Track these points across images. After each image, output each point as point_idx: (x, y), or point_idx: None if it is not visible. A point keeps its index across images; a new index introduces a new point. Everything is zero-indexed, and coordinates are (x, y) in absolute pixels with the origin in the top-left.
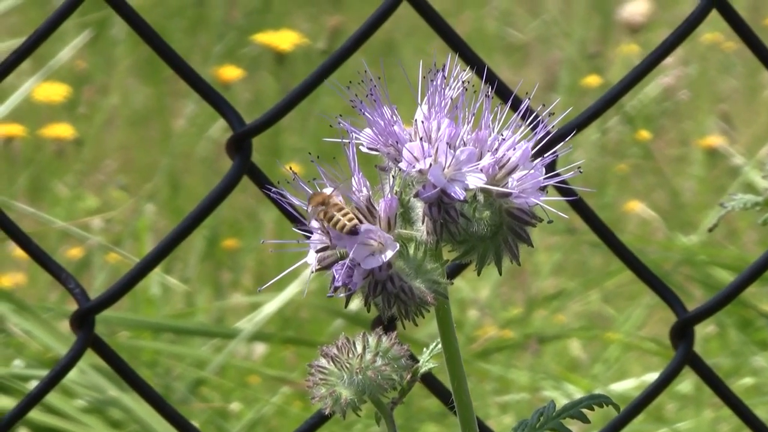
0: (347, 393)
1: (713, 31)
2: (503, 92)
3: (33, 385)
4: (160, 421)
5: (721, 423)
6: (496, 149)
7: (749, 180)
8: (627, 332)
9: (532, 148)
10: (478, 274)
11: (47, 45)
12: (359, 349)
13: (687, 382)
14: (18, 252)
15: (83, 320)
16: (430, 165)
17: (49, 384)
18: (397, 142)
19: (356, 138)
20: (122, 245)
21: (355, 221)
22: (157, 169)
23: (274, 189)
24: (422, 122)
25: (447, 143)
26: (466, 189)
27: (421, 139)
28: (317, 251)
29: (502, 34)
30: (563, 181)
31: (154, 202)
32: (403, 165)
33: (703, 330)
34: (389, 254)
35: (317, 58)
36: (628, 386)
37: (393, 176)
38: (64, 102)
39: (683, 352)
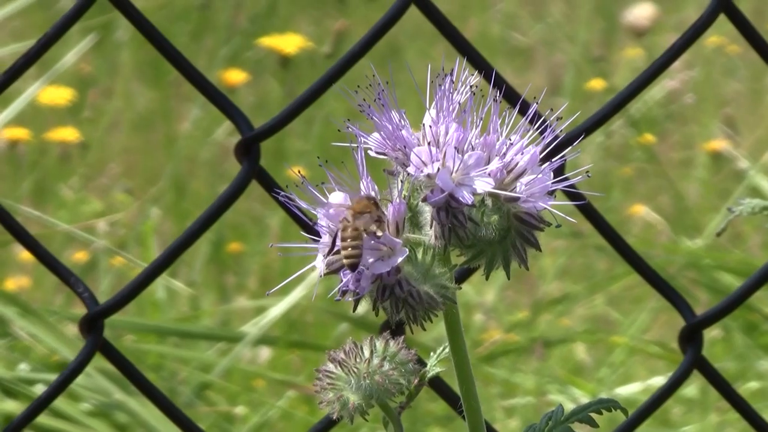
0: (355, 397)
1: (717, 35)
2: (510, 96)
3: (38, 388)
4: (166, 424)
5: (726, 427)
6: (504, 153)
7: (754, 184)
8: (632, 336)
9: (540, 153)
10: (487, 278)
11: (52, 49)
12: (367, 353)
13: (692, 386)
14: (23, 255)
15: (92, 324)
16: (438, 169)
17: (58, 388)
18: (405, 147)
19: (364, 142)
20: (127, 249)
21: (354, 260)
22: (162, 173)
23: (282, 193)
24: (430, 126)
25: (455, 147)
26: (474, 193)
27: (429, 143)
28: (325, 255)
29: (506, 37)
30: (571, 185)
31: (159, 206)
32: (411, 169)
33: (709, 334)
34: (398, 259)
35: (322, 62)
36: (633, 390)
37: (401, 181)
38: (68, 106)
39: (692, 357)
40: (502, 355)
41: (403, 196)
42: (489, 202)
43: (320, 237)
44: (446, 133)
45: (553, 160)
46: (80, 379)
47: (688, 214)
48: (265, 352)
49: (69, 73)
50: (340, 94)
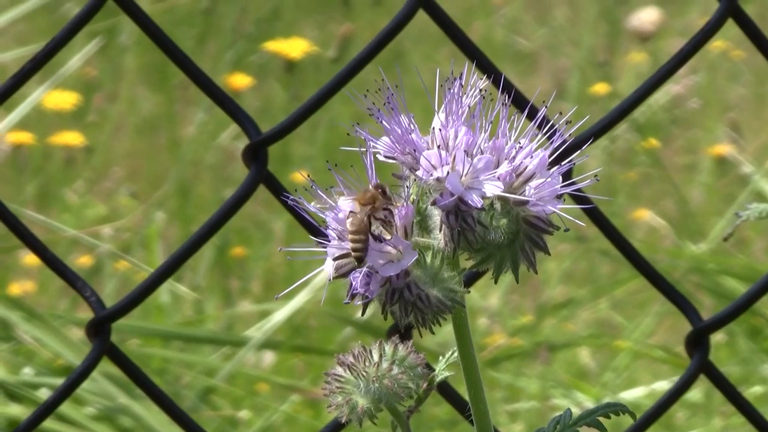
0: (364, 401)
1: (722, 40)
2: (518, 100)
3: (42, 392)
4: (170, 428)
5: (730, 431)
6: (513, 157)
7: (759, 188)
8: (636, 340)
9: (549, 157)
10: (496, 281)
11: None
12: (376, 357)
13: (696, 390)
14: (27, 259)
15: (99, 328)
16: (448, 173)
17: (65, 392)
18: (414, 150)
19: (373, 146)
20: (132, 253)
21: (359, 253)
22: (167, 177)
23: (291, 197)
24: (439, 130)
25: (464, 151)
26: (484, 197)
27: (438, 147)
28: (335, 259)
29: (510, 42)
30: (578, 190)
31: (164, 210)
32: (420, 173)
33: (713, 338)
34: (407, 262)
35: (327, 67)
36: (637, 394)
37: (410, 185)
38: (73, 110)
39: (698, 361)
40: (507, 359)
41: (411, 199)
42: (498, 205)
43: (328, 241)
44: (455, 136)
45: (562, 164)
46: (85, 383)
47: (693, 219)
48: (269, 357)
49: (73, 78)
50: (346, 99)
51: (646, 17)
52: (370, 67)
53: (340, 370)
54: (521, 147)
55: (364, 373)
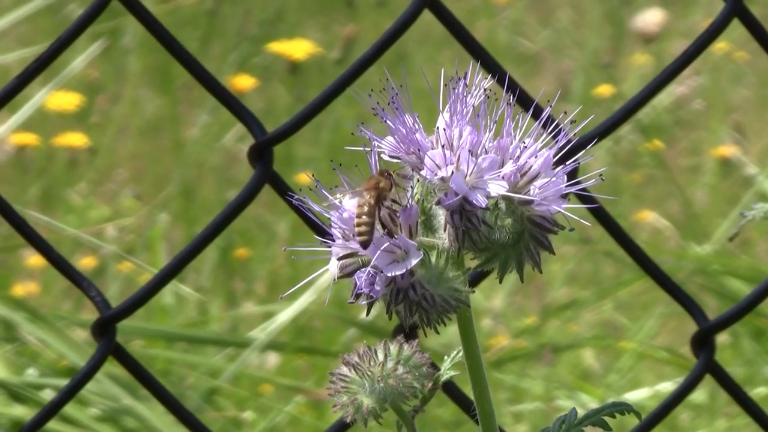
0: (369, 401)
1: (725, 41)
2: (522, 100)
3: (46, 393)
4: (174, 429)
5: None
6: (518, 157)
7: (763, 190)
8: (640, 341)
9: (554, 156)
10: (500, 281)
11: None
12: (381, 357)
13: (701, 391)
14: (31, 260)
15: (104, 328)
16: (452, 173)
17: (71, 392)
18: (419, 150)
19: (378, 146)
20: (135, 254)
21: (365, 237)
22: (170, 179)
23: (296, 196)
24: (444, 130)
25: (469, 151)
26: (488, 196)
27: (443, 146)
28: (339, 258)
29: (513, 44)
30: (583, 189)
31: (167, 212)
32: (425, 173)
33: (717, 339)
34: (412, 262)
35: (331, 68)
36: (641, 395)
37: (414, 185)
38: (76, 111)
39: (704, 361)
40: (511, 360)
41: (416, 199)
42: (503, 205)
43: (333, 240)
44: (460, 136)
45: (567, 163)
46: (89, 384)
47: (697, 220)
48: (273, 358)
49: (77, 79)
50: (349, 100)
51: (651, 19)
52: (373, 69)
53: (345, 369)
54: (526, 147)
55: (369, 373)
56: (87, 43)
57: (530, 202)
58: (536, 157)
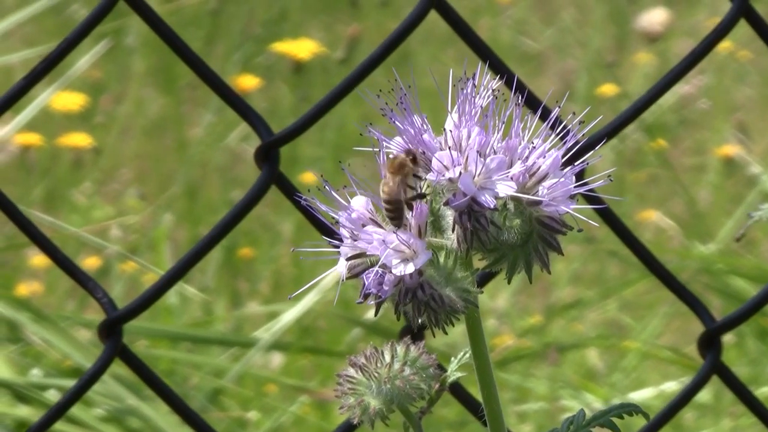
0: (376, 402)
1: (728, 40)
2: (530, 101)
3: (51, 393)
4: (179, 430)
5: None
6: (527, 157)
7: (767, 189)
8: (645, 341)
9: (562, 157)
10: (509, 282)
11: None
12: (388, 358)
13: (706, 391)
14: (35, 260)
15: (111, 330)
16: (461, 173)
17: (77, 393)
18: (427, 151)
19: (386, 146)
20: (139, 254)
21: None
22: (174, 179)
23: (303, 197)
24: (452, 131)
25: (477, 152)
26: (497, 197)
27: (450, 147)
28: (348, 259)
29: (517, 43)
30: (591, 190)
31: (172, 212)
32: (432, 174)
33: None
34: (421, 261)
35: (334, 68)
36: (646, 395)
37: (422, 185)
38: (80, 111)
39: (711, 362)
40: (515, 360)
41: (425, 199)
42: (511, 205)
43: (341, 241)
44: (468, 137)
45: (575, 164)
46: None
47: (701, 220)
48: (277, 358)
49: (81, 79)
50: (355, 100)
51: (655, 18)
52: (378, 69)
53: (351, 371)
54: (534, 147)
55: (376, 374)
56: (91, 43)
57: (539, 202)
58: (545, 157)
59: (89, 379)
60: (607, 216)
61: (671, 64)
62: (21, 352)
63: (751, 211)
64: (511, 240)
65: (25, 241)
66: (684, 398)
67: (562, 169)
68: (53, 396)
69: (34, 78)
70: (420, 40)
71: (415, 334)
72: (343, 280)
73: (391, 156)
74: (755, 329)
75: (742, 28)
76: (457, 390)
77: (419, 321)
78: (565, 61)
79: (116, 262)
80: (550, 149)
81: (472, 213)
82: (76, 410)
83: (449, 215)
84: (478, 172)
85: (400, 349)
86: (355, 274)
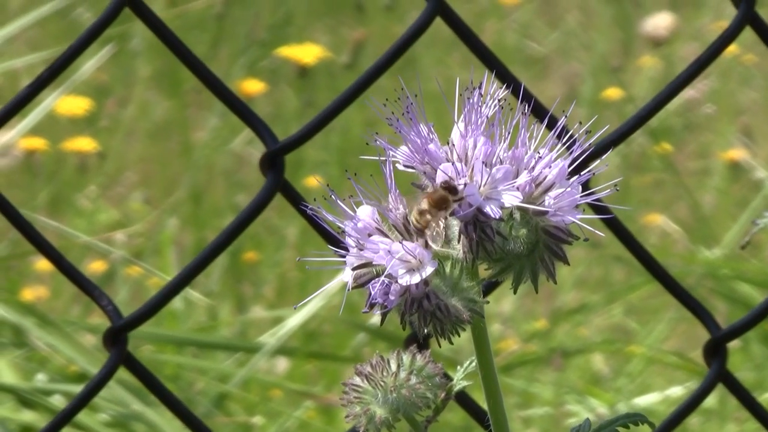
0: (381, 411)
1: (733, 44)
2: (536, 109)
3: (56, 399)
4: None
5: None
6: (533, 167)
7: None
8: (650, 346)
9: (569, 166)
10: (515, 292)
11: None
12: (393, 367)
13: (711, 396)
14: (40, 265)
15: (116, 338)
16: (465, 184)
17: (82, 401)
18: (433, 161)
19: (392, 155)
20: (144, 258)
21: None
22: (179, 182)
23: (309, 206)
24: (458, 140)
25: (483, 162)
26: (503, 207)
27: (456, 158)
28: (354, 269)
29: (522, 46)
30: (597, 199)
31: (177, 216)
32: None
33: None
34: (427, 271)
35: (340, 72)
36: (651, 400)
37: None
38: (85, 115)
39: (716, 370)
40: (520, 365)
41: None
42: (517, 215)
43: (347, 250)
44: (474, 146)
45: (581, 173)
46: None
47: (706, 224)
48: (282, 363)
49: (86, 83)
50: (360, 105)
51: (660, 23)
52: (392, 75)
53: (357, 380)
54: (540, 157)
55: (382, 383)
56: (97, 47)
57: (545, 212)
58: (551, 167)
59: (94, 387)
60: (612, 223)
61: (676, 68)
62: (26, 357)
63: (756, 216)
64: (517, 250)
65: (30, 247)
66: (689, 406)
67: (569, 179)
68: (58, 401)
69: (38, 86)
70: (425, 43)
71: (421, 342)
72: (348, 289)
73: (431, 189)
74: (760, 334)
75: (748, 31)
76: (463, 398)
77: (425, 331)
78: (570, 64)
79: (121, 267)
80: (556, 159)
81: (478, 223)
82: (81, 415)
83: (455, 225)
84: (484, 183)
85: (406, 357)
86: (360, 284)
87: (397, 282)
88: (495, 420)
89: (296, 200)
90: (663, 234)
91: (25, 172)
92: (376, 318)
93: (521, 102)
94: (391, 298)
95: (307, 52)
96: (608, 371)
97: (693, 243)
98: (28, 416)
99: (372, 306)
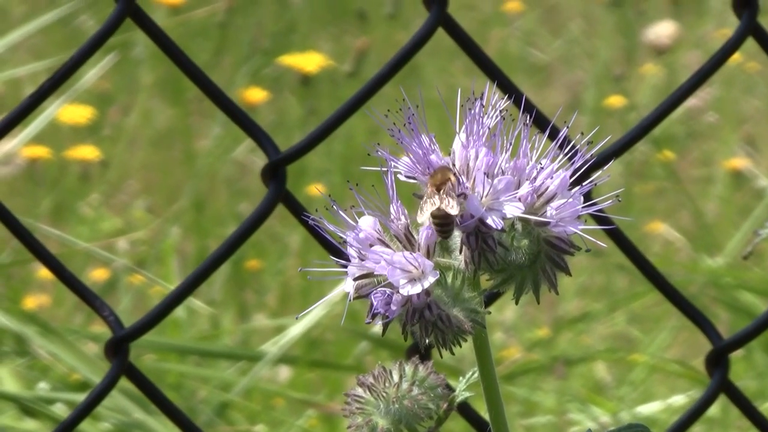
0: (383, 422)
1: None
2: (538, 119)
3: (57, 407)
4: None
5: None
6: (535, 178)
7: None
8: (653, 354)
9: (570, 177)
10: (516, 302)
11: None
12: (396, 378)
13: (713, 405)
14: (42, 273)
15: (118, 348)
16: (467, 195)
17: (84, 411)
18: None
19: (394, 166)
20: (147, 267)
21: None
22: (182, 190)
23: (311, 217)
24: (460, 151)
25: (485, 172)
26: (504, 218)
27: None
28: (355, 279)
29: (525, 54)
30: (599, 210)
31: (179, 224)
32: None
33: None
34: (428, 281)
35: (342, 81)
36: (654, 408)
37: None
38: (88, 124)
39: (718, 381)
40: (523, 373)
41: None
42: (519, 226)
43: (348, 260)
44: (476, 157)
45: (583, 184)
46: None
47: (708, 232)
48: (285, 371)
49: (88, 91)
50: (362, 113)
51: (663, 31)
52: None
53: (360, 390)
54: (542, 167)
55: (384, 394)
56: (99, 56)
57: (547, 223)
58: (552, 178)
59: (96, 397)
60: (614, 232)
61: (679, 76)
62: (28, 365)
63: (759, 225)
64: (519, 260)
65: (32, 255)
66: (692, 416)
67: (570, 189)
68: (60, 410)
69: (40, 96)
70: (428, 52)
71: (424, 352)
72: (350, 300)
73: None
74: (763, 343)
75: (751, 39)
76: (465, 408)
77: (427, 341)
78: (573, 72)
79: (124, 275)
80: (558, 169)
81: (479, 234)
82: (83, 424)
83: (457, 236)
84: (485, 193)
85: (408, 368)
86: (362, 295)
87: (398, 292)
88: (497, 431)
89: (298, 210)
90: (665, 242)
91: (28, 180)
92: (378, 327)
93: (523, 112)
94: (393, 308)
95: (309, 61)
96: (611, 380)
97: (696, 251)
98: (30, 425)
99: (374, 316)
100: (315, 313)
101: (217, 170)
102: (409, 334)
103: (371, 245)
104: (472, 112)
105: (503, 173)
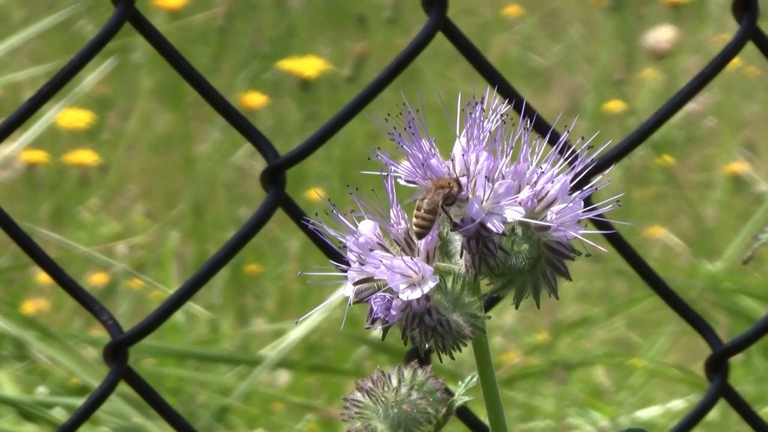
0: (382, 427)
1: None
2: (539, 124)
3: (57, 412)
4: None
5: None
6: (535, 182)
7: None
8: (652, 359)
9: (571, 181)
10: (516, 307)
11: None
12: (395, 382)
13: (712, 410)
14: (41, 278)
15: (117, 352)
16: (467, 199)
17: (83, 416)
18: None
19: (394, 170)
20: (146, 271)
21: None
22: (181, 195)
23: (311, 221)
24: (460, 155)
25: (485, 177)
26: (505, 222)
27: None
28: (355, 284)
29: (525, 59)
30: (599, 214)
31: (178, 229)
32: None
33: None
34: (428, 286)
35: (342, 85)
36: (653, 413)
37: None
38: (87, 128)
39: (718, 385)
40: (522, 378)
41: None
42: (519, 230)
43: (348, 265)
44: (477, 161)
45: (583, 188)
46: None
47: (708, 237)
48: (284, 376)
49: (87, 96)
50: (362, 117)
51: (662, 36)
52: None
53: (358, 395)
54: (543, 172)
55: (383, 399)
56: (98, 60)
57: (547, 227)
58: (553, 182)
59: (95, 401)
60: (614, 236)
61: (679, 80)
62: (27, 370)
63: (758, 229)
64: (519, 265)
65: (31, 259)
66: (691, 421)
67: (571, 194)
68: (59, 414)
69: (39, 100)
70: (427, 56)
71: (423, 356)
72: (349, 304)
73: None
74: (763, 348)
75: (751, 44)
76: (464, 413)
77: (426, 346)
78: (573, 77)
79: (123, 280)
80: (558, 174)
81: (480, 238)
82: (82, 428)
83: (457, 240)
84: (486, 198)
85: (407, 373)
86: (362, 299)
87: (398, 297)
88: None
89: (297, 215)
90: (665, 247)
91: (27, 184)
92: (377, 331)
93: (523, 116)
94: (393, 313)
95: (309, 65)
96: (610, 384)
97: (695, 256)
98: (29, 429)
99: (374, 321)
100: (314, 317)
101: (217, 175)
102: (408, 338)
103: (371, 250)
104: (473, 116)
105: (504, 177)
